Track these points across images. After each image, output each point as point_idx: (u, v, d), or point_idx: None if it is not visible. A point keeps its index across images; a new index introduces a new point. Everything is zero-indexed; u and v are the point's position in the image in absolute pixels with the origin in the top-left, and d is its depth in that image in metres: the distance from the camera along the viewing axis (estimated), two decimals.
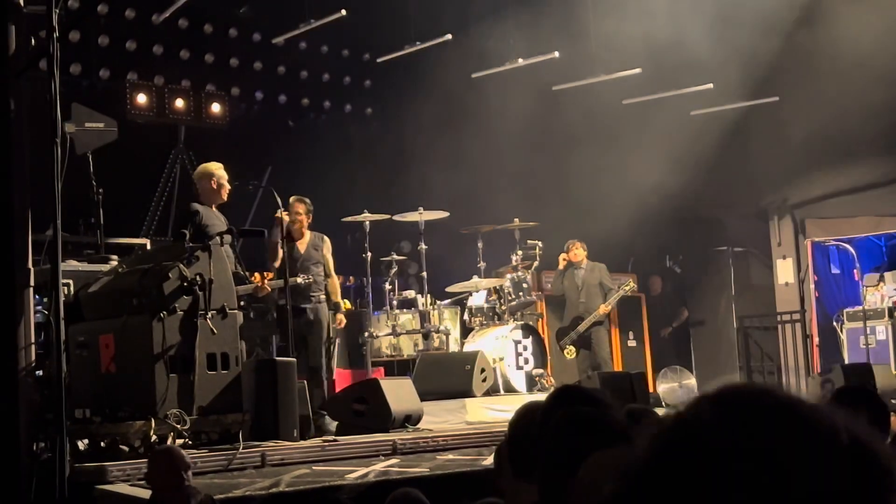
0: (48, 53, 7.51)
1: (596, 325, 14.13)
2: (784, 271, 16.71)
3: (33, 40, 8.11)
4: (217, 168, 10.14)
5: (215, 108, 15.56)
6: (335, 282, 11.26)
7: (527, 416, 4.53)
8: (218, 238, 9.06)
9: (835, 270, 16.44)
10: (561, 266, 14.37)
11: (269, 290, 10.21)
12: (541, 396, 12.28)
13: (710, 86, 14.47)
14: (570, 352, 14.18)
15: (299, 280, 10.44)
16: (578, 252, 14.22)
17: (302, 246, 10.98)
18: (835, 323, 15.70)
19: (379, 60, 15.55)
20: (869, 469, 0.91)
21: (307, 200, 11.15)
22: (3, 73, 7.78)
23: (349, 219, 13.25)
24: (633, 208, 14.52)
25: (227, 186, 10.06)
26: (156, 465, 6.08)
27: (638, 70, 14.37)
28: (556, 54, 14.20)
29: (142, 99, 14.85)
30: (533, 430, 4.11)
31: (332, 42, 16.15)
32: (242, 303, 9.48)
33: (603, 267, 14.38)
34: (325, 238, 11.26)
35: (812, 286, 16.18)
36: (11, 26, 7.87)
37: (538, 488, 3.25)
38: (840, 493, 0.89)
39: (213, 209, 9.91)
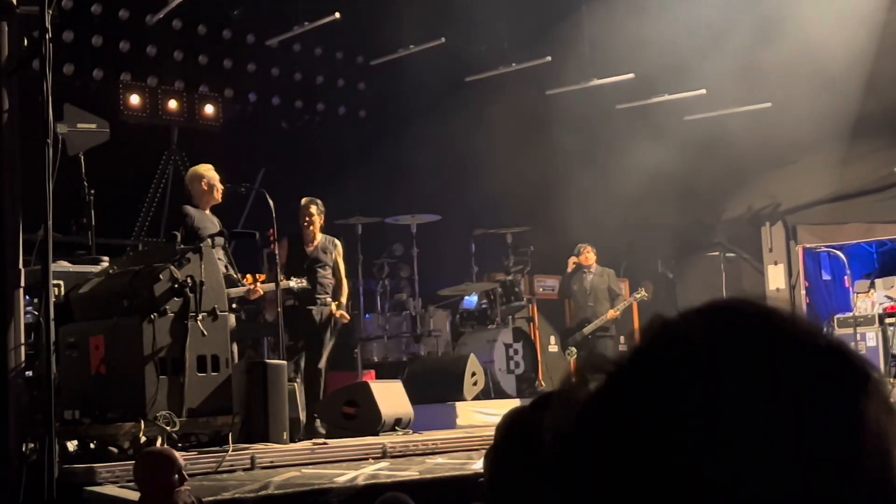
0: (41, 54, 7.51)
1: (602, 334, 14.04)
2: (775, 277, 16.73)
3: (26, 41, 8.10)
4: (207, 169, 10.14)
5: (208, 109, 15.55)
6: (344, 287, 11.17)
7: (513, 421, 4.54)
8: (210, 240, 9.06)
9: (826, 277, 16.47)
10: (570, 268, 14.31)
11: (262, 292, 10.20)
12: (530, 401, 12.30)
13: (703, 91, 14.50)
14: (572, 353, 14.17)
15: (292, 283, 10.42)
16: (589, 256, 14.21)
17: (311, 248, 10.95)
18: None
19: (373, 63, 15.57)
20: (844, 371, 0.93)
21: (319, 202, 11.11)
22: None
23: (341, 221, 13.25)
24: (626, 213, 14.54)
25: (220, 187, 10.05)
26: (144, 466, 6.07)
27: (631, 75, 14.40)
28: (549, 59, 14.22)
29: (135, 100, 14.83)
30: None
31: (326, 44, 16.15)
32: (234, 305, 9.47)
33: (612, 272, 14.37)
34: (337, 242, 11.21)
35: (803, 292, 16.21)
36: (4, 26, 7.86)
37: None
38: (819, 395, 0.90)
39: (207, 212, 9.91)
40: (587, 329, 13.91)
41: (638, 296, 14.27)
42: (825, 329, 0.97)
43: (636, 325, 16.10)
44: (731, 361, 0.91)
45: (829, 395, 0.91)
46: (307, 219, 10.92)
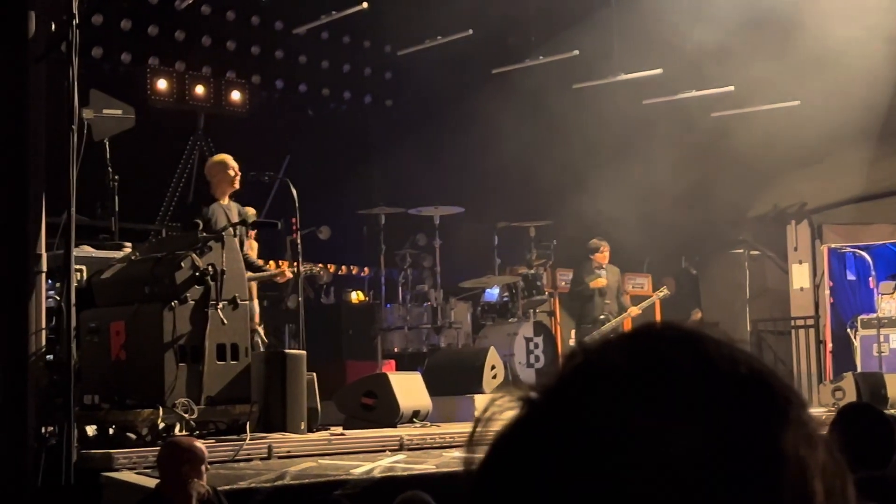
0: (68, 39, 7.54)
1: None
2: (799, 276, 16.65)
3: (53, 25, 8.13)
4: (224, 158, 10.08)
5: (235, 95, 15.57)
6: None
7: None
8: (231, 229, 9.07)
9: (850, 277, 16.36)
10: (595, 264, 14.24)
11: (290, 276, 10.23)
12: None
13: (731, 88, 14.42)
14: None
15: (316, 269, 10.44)
16: (606, 254, 14.18)
17: None
18: (849, 330, 15.63)
19: (400, 53, 15.54)
20: (764, 400, 0.91)
21: None
22: (23, 58, 7.80)
23: (365, 211, 13.26)
24: (650, 208, 14.48)
25: (237, 174, 10.00)
26: (167, 455, 6.09)
27: (659, 70, 14.33)
28: (577, 52, 14.17)
29: (162, 84, 14.86)
30: None
31: (354, 33, 16.14)
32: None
33: (618, 270, 14.35)
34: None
35: (827, 292, 16.12)
36: (31, 12, 7.88)
37: None
38: (736, 425, 0.89)
39: (227, 200, 9.91)
40: (607, 327, 13.86)
41: (661, 293, 14.22)
42: (753, 355, 0.96)
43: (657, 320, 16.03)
44: (649, 392, 0.89)
45: (748, 426, 0.89)
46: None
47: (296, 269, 9.98)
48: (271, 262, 10.68)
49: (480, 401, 11.48)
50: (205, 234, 8.51)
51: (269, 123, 15.77)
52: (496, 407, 0.95)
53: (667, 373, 0.90)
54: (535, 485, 0.88)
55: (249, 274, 9.77)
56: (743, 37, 13.47)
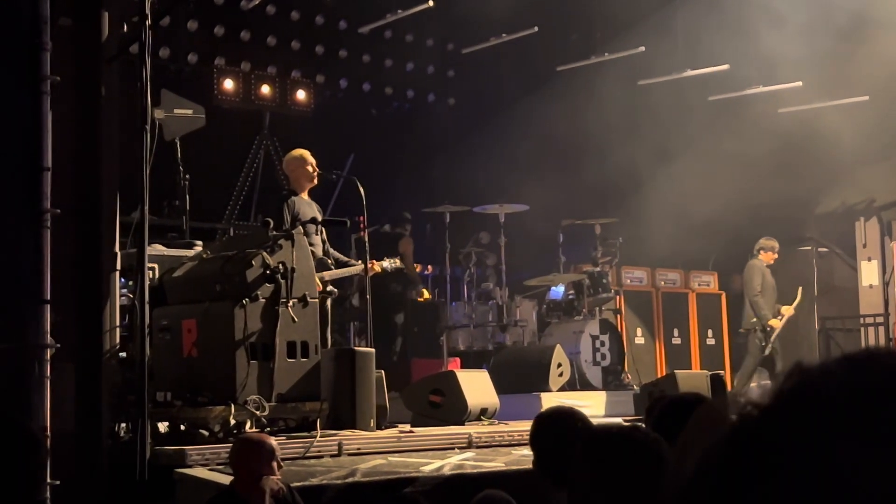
0: (140, 40, 7.61)
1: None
2: (868, 273, 16.43)
3: (125, 26, 8.22)
4: (304, 153, 10.21)
5: (300, 94, 15.65)
6: None
7: (552, 423, 4.58)
8: (301, 227, 9.12)
9: None
10: (766, 261, 14.25)
11: (379, 269, 10.28)
12: (616, 393, 12.25)
13: (800, 84, 14.26)
14: (776, 350, 14.08)
15: (385, 264, 10.47)
16: (773, 254, 14.30)
17: None
18: None
19: (464, 52, 15.54)
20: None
21: None
22: (96, 59, 7.89)
23: (429, 209, 13.26)
24: (716, 205, 14.35)
25: (315, 171, 10.12)
26: (240, 451, 6.12)
27: (726, 66, 14.20)
28: (643, 49, 14.08)
29: (228, 84, 14.98)
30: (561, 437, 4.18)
31: (417, 31, 16.16)
32: (329, 287, 9.52)
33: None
34: None
35: None
36: (105, 12, 7.97)
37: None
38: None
39: (305, 196, 9.99)
40: (778, 325, 13.91)
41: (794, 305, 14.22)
42: None
43: (724, 319, 15.90)
44: (867, 420, 0.89)
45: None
46: None
47: (367, 268, 10.02)
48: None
49: (547, 400, 11.46)
50: (275, 232, 8.56)
51: (333, 122, 15.83)
52: (713, 414, 0.96)
53: (884, 407, 0.89)
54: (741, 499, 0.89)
55: (338, 271, 9.87)
56: (811, 32, 13.30)
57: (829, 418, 0.89)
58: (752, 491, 0.89)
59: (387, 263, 10.48)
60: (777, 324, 14.06)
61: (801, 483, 0.88)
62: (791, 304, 14.27)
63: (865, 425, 0.88)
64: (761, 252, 14.33)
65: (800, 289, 14.58)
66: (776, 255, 14.37)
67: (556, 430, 4.43)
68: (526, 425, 9.66)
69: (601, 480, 3.03)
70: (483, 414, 9.86)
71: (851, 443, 0.87)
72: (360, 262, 10.16)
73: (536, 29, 14.03)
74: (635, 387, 12.38)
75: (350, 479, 7.18)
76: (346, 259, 10.32)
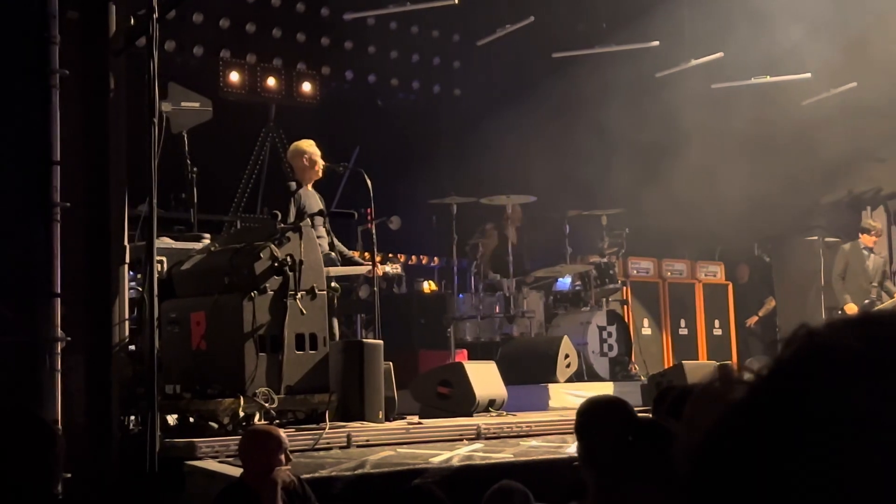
0: (147, 33, 7.61)
1: None
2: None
3: (132, 19, 8.21)
4: (309, 145, 10.22)
5: (306, 86, 15.63)
6: None
7: (593, 411, 4.58)
8: (309, 219, 9.13)
9: None
10: (863, 245, 14.13)
11: (380, 274, 10.27)
12: (624, 384, 12.25)
13: (808, 75, 14.25)
14: None
15: (387, 268, 10.50)
16: (874, 236, 14.19)
17: None
18: None
19: (479, 43, 15.51)
20: None
21: None
22: (103, 52, 7.90)
23: (436, 201, 13.26)
24: (722, 195, 14.34)
25: (320, 163, 10.12)
26: (249, 443, 6.13)
27: (729, 55, 14.18)
28: (657, 43, 14.08)
29: (234, 77, 14.96)
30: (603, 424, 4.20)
31: (422, 22, 16.13)
32: (333, 284, 9.53)
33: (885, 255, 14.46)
34: None
35: None
36: (112, 5, 7.98)
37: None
38: None
39: (310, 188, 9.99)
40: (853, 310, 13.87)
41: None
42: None
43: (731, 310, 15.90)
44: (879, 376, 0.89)
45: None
46: None
47: (374, 261, 10.02)
48: (366, 254, 10.74)
49: (555, 391, 11.47)
50: (283, 224, 8.57)
51: (339, 114, 15.81)
52: (714, 388, 0.96)
53: None
54: (761, 463, 0.89)
55: (343, 269, 9.87)
56: (819, 22, 13.28)
57: (850, 367, 0.89)
58: (779, 447, 0.88)
59: (389, 268, 10.51)
60: (852, 308, 13.95)
61: (828, 433, 0.87)
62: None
63: (886, 370, 0.88)
64: (861, 234, 14.18)
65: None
66: (875, 238, 14.16)
67: (607, 421, 4.39)
68: (534, 417, 9.71)
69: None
70: (491, 405, 9.87)
71: (875, 387, 0.88)
72: (366, 261, 10.19)
73: (533, 19, 14.00)
74: (642, 377, 12.38)
75: (359, 471, 7.19)
76: (350, 254, 10.29)
